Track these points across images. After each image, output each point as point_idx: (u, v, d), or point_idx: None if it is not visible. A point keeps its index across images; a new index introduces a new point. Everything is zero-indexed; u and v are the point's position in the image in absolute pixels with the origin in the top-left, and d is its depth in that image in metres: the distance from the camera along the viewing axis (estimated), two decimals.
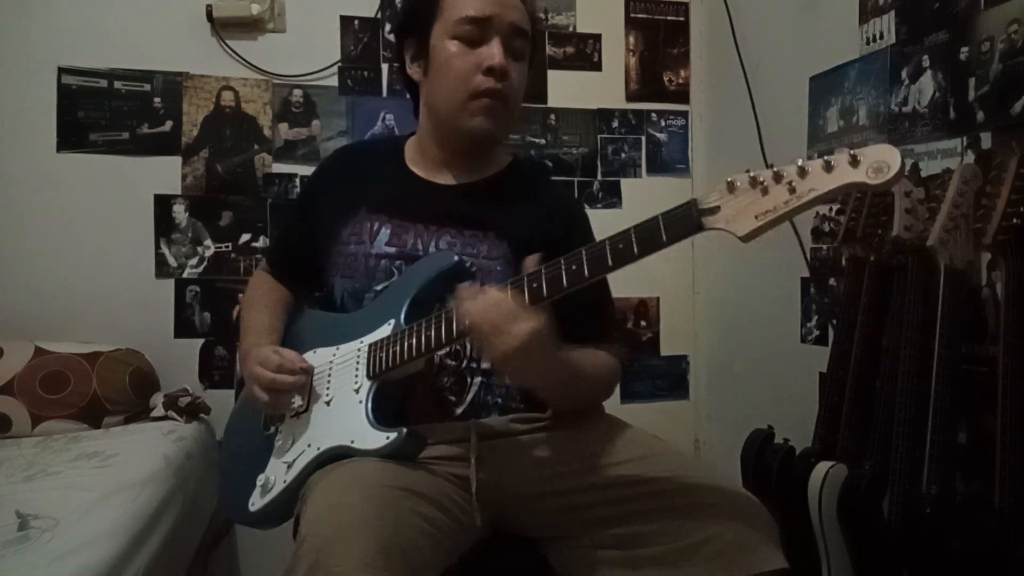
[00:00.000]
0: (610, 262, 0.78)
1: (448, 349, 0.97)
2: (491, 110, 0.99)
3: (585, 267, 0.79)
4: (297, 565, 0.73)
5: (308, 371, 0.98)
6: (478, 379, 1.00)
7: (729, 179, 0.72)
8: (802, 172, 0.69)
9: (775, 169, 0.70)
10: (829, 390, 1.31)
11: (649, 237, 0.76)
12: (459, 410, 0.98)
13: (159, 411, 1.59)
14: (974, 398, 1.12)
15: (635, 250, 0.76)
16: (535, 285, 0.82)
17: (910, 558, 1.06)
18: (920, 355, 1.13)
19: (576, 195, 1.98)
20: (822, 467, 1.20)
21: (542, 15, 1.98)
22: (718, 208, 0.72)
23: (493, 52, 0.97)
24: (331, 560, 0.71)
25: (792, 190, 0.69)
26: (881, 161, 0.65)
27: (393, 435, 0.88)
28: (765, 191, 0.70)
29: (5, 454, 1.33)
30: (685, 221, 0.74)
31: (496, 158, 1.11)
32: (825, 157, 0.68)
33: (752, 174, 0.71)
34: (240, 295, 1.70)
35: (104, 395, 1.56)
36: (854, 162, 0.66)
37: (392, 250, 1.02)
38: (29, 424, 1.50)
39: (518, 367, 0.83)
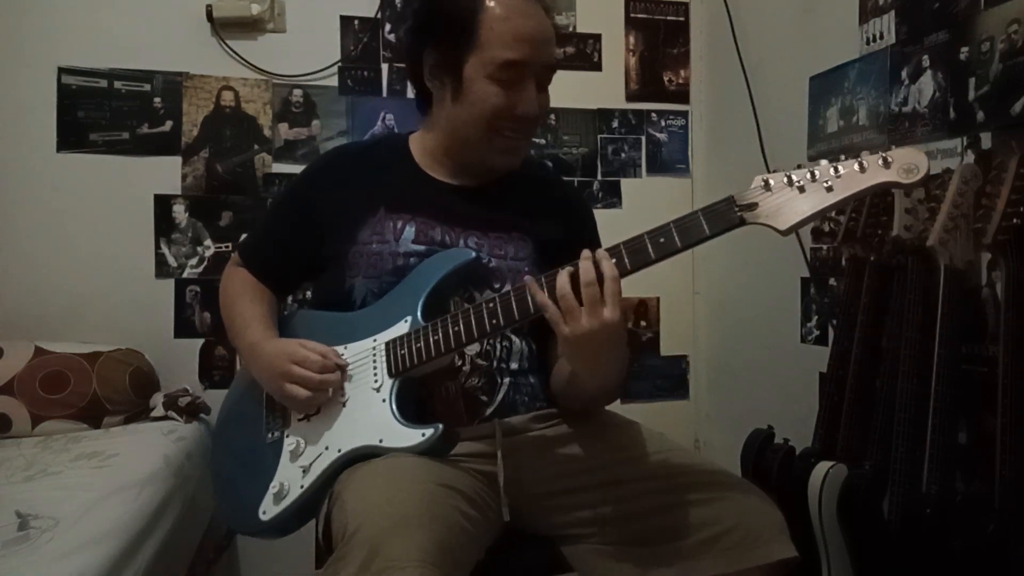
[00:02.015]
0: (652, 255, 0.81)
1: (479, 347, 0.97)
2: (517, 149, 1.02)
3: (626, 260, 0.82)
4: (347, 556, 0.72)
5: (344, 366, 0.96)
6: (507, 379, 0.99)
7: (764, 178, 0.78)
8: (837, 172, 0.75)
9: (810, 169, 0.76)
10: (829, 390, 1.31)
11: (691, 230, 0.79)
12: (489, 410, 0.98)
13: (159, 411, 1.59)
14: (974, 398, 1.12)
15: (677, 243, 0.80)
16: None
17: (910, 558, 1.06)
18: (920, 355, 1.12)
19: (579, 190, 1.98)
20: (822, 467, 1.20)
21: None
22: (756, 204, 0.77)
23: (527, 100, 0.97)
24: (389, 553, 0.70)
25: (829, 189, 0.75)
26: (911, 163, 0.73)
27: (429, 432, 0.87)
28: (802, 190, 0.76)
29: (5, 454, 1.33)
30: (726, 215, 0.78)
31: None
32: (858, 159, 0.74)
33: (787, 174, 0.77)
34: None
35: (104, 395, 1.56)
36: (886, 163, 0.73)
37: (421, 248, 1.00)
38: (29, 424, 1.50)
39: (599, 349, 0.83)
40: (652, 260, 0.81)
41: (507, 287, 1.00)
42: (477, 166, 1.04)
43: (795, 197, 0.76)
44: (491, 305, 0.88)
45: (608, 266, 0.80)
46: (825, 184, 0.75)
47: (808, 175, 0.76)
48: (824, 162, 0.76)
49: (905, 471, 1.10)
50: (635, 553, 0.90)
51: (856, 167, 0.74)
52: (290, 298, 1.74)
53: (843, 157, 0.76)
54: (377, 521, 0.74)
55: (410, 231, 1.01)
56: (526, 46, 0.96)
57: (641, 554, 0.89)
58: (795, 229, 0.76)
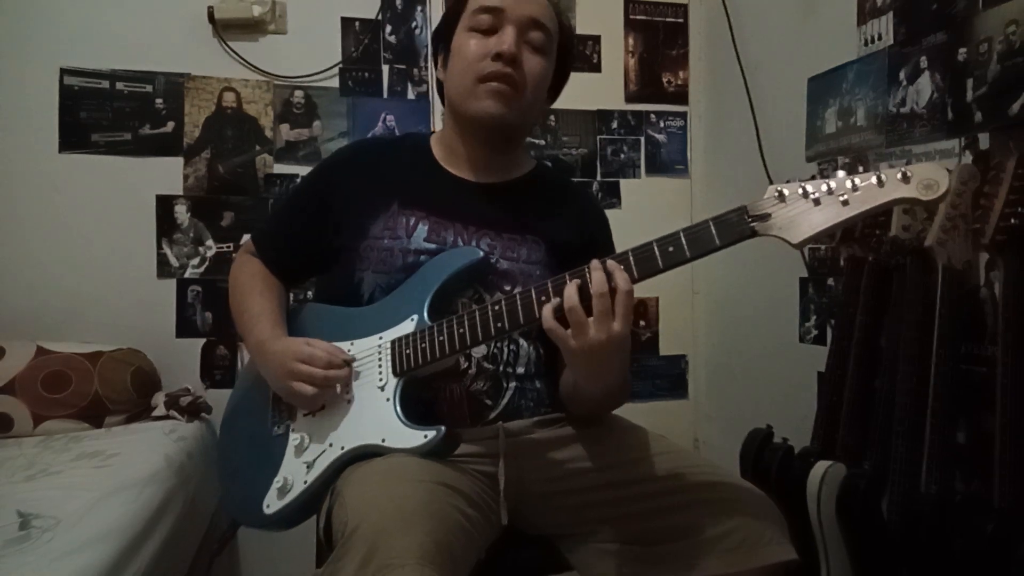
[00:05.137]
0: (660, 264, 0.80)
1: (485, 350, 0.96)
2: (499, 94, 0.98)
3: (634, 269, 0.80)
4: (348, 554, 0.72)
5: (351, 360, 0.96)
6: (513, 384, 0.99)
7: (778, 188, 0.76)
8: (855, 186, 0.73)
9: (826, 182, 0.74)
10: (828, 390, 1.31)
11: (701, 240, 0.78)
12: (493, 414, 0.97)
13: (160, 411, 1.59)
14: (973, 398, 1.12)
15: (687, 253, 0.79)
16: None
17: (909, 557, 1.06)
18: (919, 355, 1.13)
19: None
20: (821, 466, 1.20)
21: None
22: (769, 215, 0.75)
23: (503, 39, 0.97)
24: (388, 550, 0.70)
25: (845, 203, 0.73)
26: (931, 179, 0.70)
27: (431, 434, 0.87)
28: (817, 202, 0.74)
29: (6, 454, 1.33)
30: (738, 226, 0.77)
31: (522, 160, 1.11)
32: (876, 172, 0.72)
33: (802, 185, 0.75)
34: None
35: (105, 395, 1.56)
36: (905, 178, 0.71)
37: (432, 246, 0.99)
38: (30, 424, 1.51)
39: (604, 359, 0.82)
40: (660, 269, 0.80)
41: (517, 290, 1.00)
42: (473, 127, 1.02)
43: (809, 210, 0.74)
44: (497, 308, 0.87)
45: (622, 278, 0.79)
46: (841, 198, 0.72)
47: (824, 187, 0.73)
48: (841, 173, 0.74)
49: (904, 471, 1.10)
50: (636, 553, 0.90)
51: (874, 181, 0.72)
52: (291, 296, 1.75)
53: (860, 169, 0.74)
54: (377, 519, 0.74)
55: (423, 229, 1.01)
56: None
57: (642, 554, 0.90)
58: (808, 243, 0.75)
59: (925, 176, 0.70)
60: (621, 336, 0.79)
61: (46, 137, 1.71)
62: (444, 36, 1.05)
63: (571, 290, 0.80)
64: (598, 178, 2.04)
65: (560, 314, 0.81)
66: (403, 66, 1.91)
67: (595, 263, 0.81)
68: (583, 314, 0.79)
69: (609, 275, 0.79)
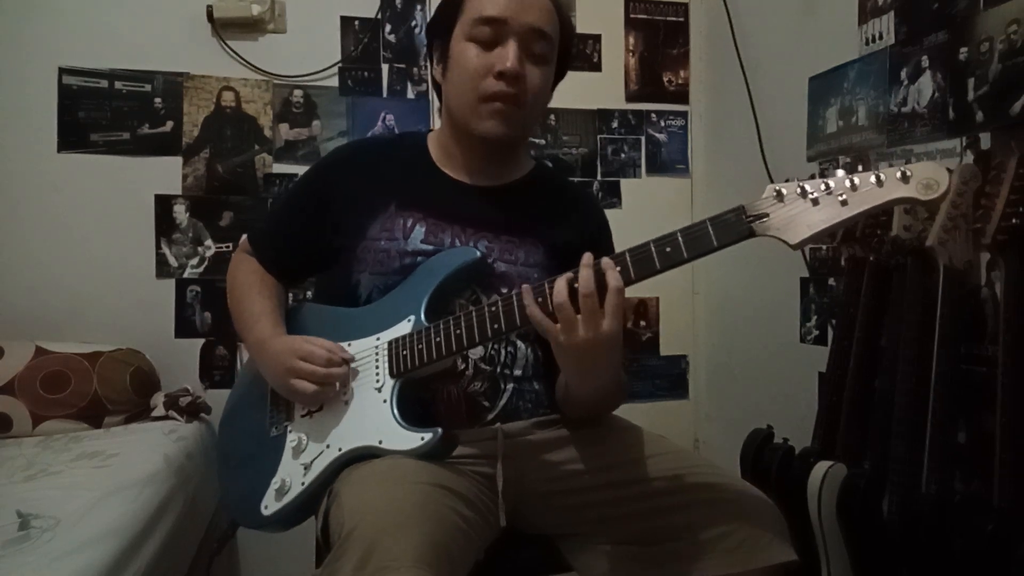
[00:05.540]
0: (657, 265, 0.79)
1: (482, 352, 0.96)
2: (502, 114, 0.97)
3: (631, 269, 0.80)
4: (344, 555, 0.72)
5: (350, 359, 0.96)
6: (511, 385, 0.99)
7: (776, 188, 0.75)
8: (853, 186, 0.72)
9: (825, 181, 0.73)
10: (828, 390, 1.31)
11: (698, 241, 0.77)
12: (491, 416, 0.97)
13: (160, 411, 1.60)
14: (973, 398, 1.12)
15: (684, 253, 0.78)
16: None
17: (909, 557, 1.06)
18: (919, 355, 1.13)
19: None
20: (821, 466, 1.20)
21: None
22: (767, 215, 0.75)
23: (506, 55, 0.95)
24: (385, 552, 0.70)
25: (844, 203, 0.72)
26: (931, 178, 0.70)
27: (428, 436, 0.87)
28: (816, 202, 0.73)
29: (6, 454, 1.33)
30: (736, 226, 0.76)
31: (521, 161, 1.11)
32: (876, 172, 0.72)
33: (800, 184, 0.74)
34: None
35: (105, 395, 1.57)
36: (904, 178, 0.70)
37: (429, 248, 0.99)
38: (30, 424, 1.51)
39: (591, 359, 0.82)
40: (657, 270, 0.80)
41: (515, 291, 0.99)
42: (474, 142, 1.02)
43: (808, 209, 0.73)
44: (493, 309, 0.87)
45: (613, 276, 0.78)
46: (840, 197, 0.72)
47: (823, 187, 0.73)
48: (840, 172, 0.73)
49: (904, 471, 1.10)
50: (636, 553, 0.90)
51: (873, 181, 0.71)
52: (290, 297, 1.75)
53: (859, 168, 0.73)
54: (373, 521, 0.74)
55: (420, 230, 1.00)
56: (501, 4, 0.95)
57: (642, 554, 0.90)
58: (806, 244, 0.74)
59: (925, 176, 0.70)
60: (610, 334, 0.79)
61: (45, 137, 1.71)
62: (439, 34, 1.03)
63: (561, 284, 0.79)
64: (598, 178, 2.04)
65: (550, 309, 0.80)
66: (403, 65, 1.90)
67: (586, 259, 0.80)
68: (572, 311, 0.79)
69: (600, 273, 0.79)
